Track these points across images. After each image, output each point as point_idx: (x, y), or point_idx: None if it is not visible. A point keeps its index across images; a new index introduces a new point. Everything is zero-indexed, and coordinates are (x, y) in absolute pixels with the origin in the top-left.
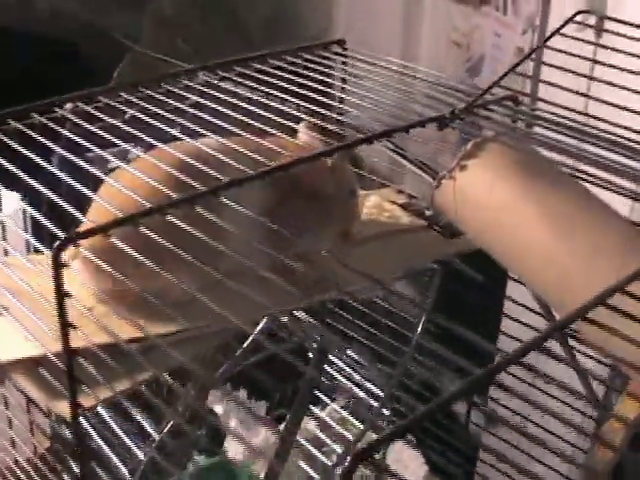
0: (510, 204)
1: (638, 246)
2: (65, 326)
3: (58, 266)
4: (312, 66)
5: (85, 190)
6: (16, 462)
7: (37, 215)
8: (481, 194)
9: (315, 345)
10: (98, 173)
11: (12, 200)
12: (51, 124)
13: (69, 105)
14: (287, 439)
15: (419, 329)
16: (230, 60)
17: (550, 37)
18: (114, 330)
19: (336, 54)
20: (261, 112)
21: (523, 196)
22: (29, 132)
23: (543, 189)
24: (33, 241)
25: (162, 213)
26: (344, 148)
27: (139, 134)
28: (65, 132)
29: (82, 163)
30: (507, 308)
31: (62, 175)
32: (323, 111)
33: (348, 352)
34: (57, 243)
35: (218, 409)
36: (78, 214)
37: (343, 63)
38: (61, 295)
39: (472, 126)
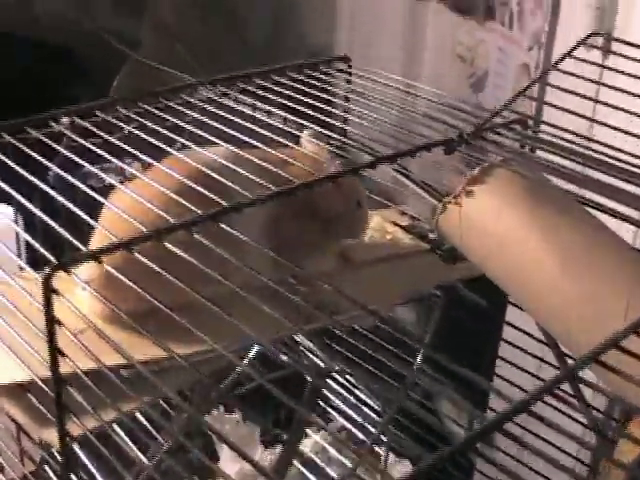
0: (517, 232)
1: None
2: (54, 353)
3: (48, 292)
4: (315, 83)
5: (79, 211)
6: None
7: (28, 237)
8: (488, 221)
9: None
10: (90, 191)
11: (5, 214)
12: (47, 140)
13: (65, 119)
14: (283, 463)
15: (418, 360)
16: (232, 75)
17: (562, 59)
18: (109, 354)
19: (340, 71)
20: (262, 131)
21: (530, 224)
22: (23, 148)
23: (551, 217)
24: (23, 264)
25: (158, 240)
26: (351, 172)
27: (136, 151)
28: (61, 148)
29: (77, 181)
30: (506, 333)
31: (56, 194)
32: (325, 131)
33: (347, 376)
34: (47, 269)
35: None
36: (70, 237)
37: (347, 81)
38: (51, 322)
39: (479, 150)
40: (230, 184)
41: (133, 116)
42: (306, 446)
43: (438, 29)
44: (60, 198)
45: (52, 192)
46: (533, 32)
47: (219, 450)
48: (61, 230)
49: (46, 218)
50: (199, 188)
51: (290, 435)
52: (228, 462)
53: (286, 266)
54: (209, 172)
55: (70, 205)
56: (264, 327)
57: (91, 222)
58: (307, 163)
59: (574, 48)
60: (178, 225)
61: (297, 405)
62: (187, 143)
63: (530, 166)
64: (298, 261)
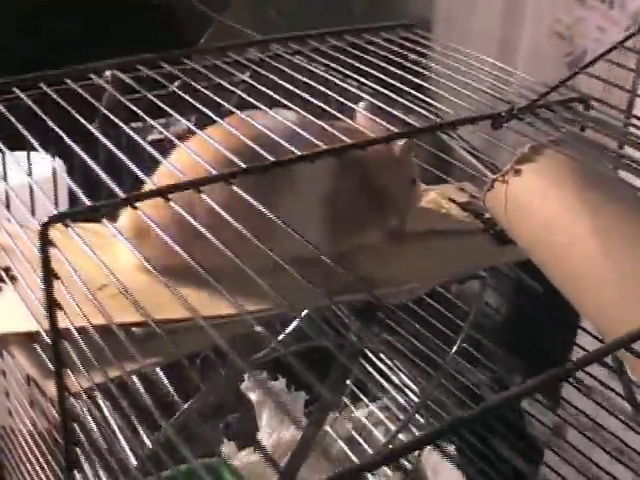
0: (563, 216)
1: None
2: (52, 306)
3: (45, 244)
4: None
5: (125, 159)
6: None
7: (71, 183)
8: (533, 202)
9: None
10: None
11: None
12: (84, 93)
13: (108, 73)
14: (309, 436)
15: (459, 340)
16: (304, 34)
17: (627, 39)
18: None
19: (406, 39)
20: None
21: (577, 208)
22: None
23: (600, 203)
24: (29, 216)
25: (196, 190)
26: (416, 133)
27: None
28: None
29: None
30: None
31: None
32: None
33: (388, 352)
34: (45, 219)
35: (252, 397)
36: (112, 184)
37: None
38: (48, 275)
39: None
40: (292, 148)
41: (177, 73)
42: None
43: (538, 4)
44: (109, 145)
45: (101, 137)
46: (633, 12)
47: (258, 420)
48: (103, 175)
49: (92, 164)
50: (260, 149)
51: (315, 412)
52: (266, 432)
53: (337, 240)
54: (271, 135)
55: (118, 153)
56: (295, 297)
57: (138, 173)
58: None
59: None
60: (218, 176)
61: (322, 384)
62: (246, 98)
63: (583, 148)
64: (350, 236)
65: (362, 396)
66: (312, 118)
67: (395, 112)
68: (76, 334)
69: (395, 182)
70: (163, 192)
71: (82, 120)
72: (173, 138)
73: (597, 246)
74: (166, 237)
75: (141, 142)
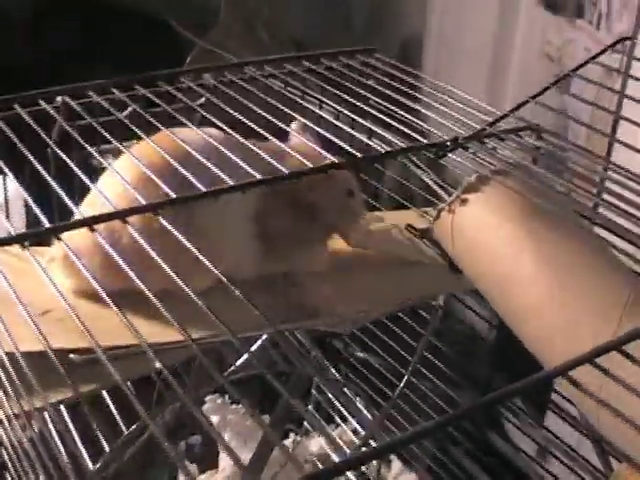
0: (506, 246)
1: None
2: None
3: None
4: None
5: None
6: None
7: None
8: (478, 232)
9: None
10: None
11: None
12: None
13: (59, 99)
14: (262, 456)
15: (409, 371)
16: (263, 59)
17: (583, 65)
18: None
19: (364, 64)
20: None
21: (521, 239)
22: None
23: (545, 234)
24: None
25: (123, 221)
26: (355, 163)
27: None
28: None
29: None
30: None
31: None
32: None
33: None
34: None
35: (214, 419)
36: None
37: (374, 69)
38: None
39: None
40: (216, 170)
41: (125, 100)
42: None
43: (529, 25)
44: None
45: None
46: (619, 34)
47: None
48: (31, 202)
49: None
50: (188, 175)
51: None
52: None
53: (274, 259)
54: (196, 154)
55: (49, 179)
56: (240, 322)
57: (67, 201)
58: (303, 155)
59: (599, 54)
60: (146, 207)
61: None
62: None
63: (530, 179)
64: (287, 254)
65: (322, 422)
66: (239, 137)
67: (337, 140)
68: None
69: (327, 196)
70: (88, 223)
71: (25, 152)
72: (106, 164)
73: (538, 277)
74: (86, 268)
75: (73, 168)
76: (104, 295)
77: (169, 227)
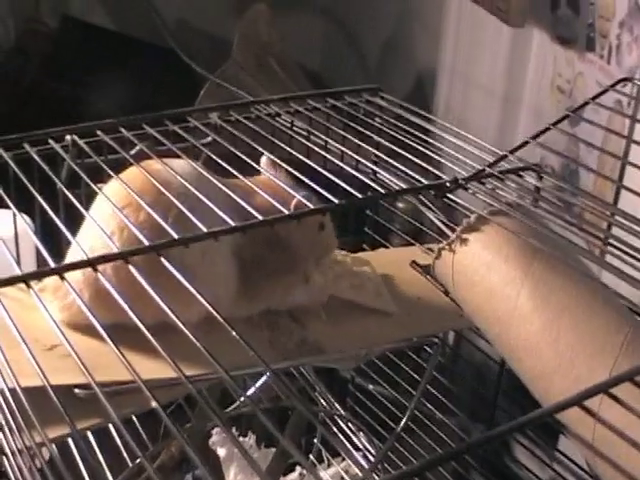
0: (505, 286)
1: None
2: None
3: None
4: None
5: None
6: None
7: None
8: (477, 272)
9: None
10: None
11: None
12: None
13: (68, 137)
14: None
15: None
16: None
17: (583, 105)
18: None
19: (368, 102)
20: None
21: (518, 281)
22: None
23: (543, 276)
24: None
25: (93, 268)
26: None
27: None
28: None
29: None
30: None
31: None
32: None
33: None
34: None
35: (221, 452)
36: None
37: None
38: None
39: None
40: (185, 211)
41: (132, 139)
42: None
43: (541, 58)
44: (48, 210)
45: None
46: (629, 68)
47: (225, 473)
48: (38, 242)
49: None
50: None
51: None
52: None
53: (254, 295)
54: (169, 194)
55: (55, 218)
56: (236, 359)
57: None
58: (270, 193)
59: (600, 94)
60: (149, 247)
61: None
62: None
63: (529, 220)
64: (268, 290)
65: (328, 455)
66: (205, 173)
67: (337, 180)
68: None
69: (300, 229)
70: (92, 263)
71: (32, 189)
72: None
73: (535, 317)
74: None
75: (78, 206)
76: (104, 333)
77: (172, 269)
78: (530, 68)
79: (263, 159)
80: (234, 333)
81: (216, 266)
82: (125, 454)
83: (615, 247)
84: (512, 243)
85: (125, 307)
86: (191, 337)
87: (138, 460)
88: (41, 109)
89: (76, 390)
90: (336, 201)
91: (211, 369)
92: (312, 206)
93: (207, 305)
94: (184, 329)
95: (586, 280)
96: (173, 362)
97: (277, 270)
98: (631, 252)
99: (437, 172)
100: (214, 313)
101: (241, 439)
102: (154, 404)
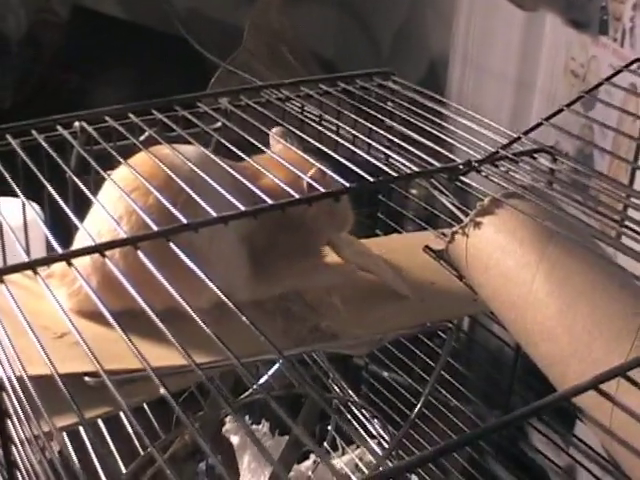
0: (520, 270)
1: None
2: None
3: None
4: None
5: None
6: None
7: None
8: (492, 255)
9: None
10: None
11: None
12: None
13: (77, 124)
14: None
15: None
16: (279, 83)
17: (597, 86)
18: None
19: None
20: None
21: (533, 264)
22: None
23: (557, 258)
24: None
25: (101, 254)
26: (352, 190)
27: None
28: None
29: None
30: None
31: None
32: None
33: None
34: None
35: (234, 440)
36: (51, 238)
37: (391, 91)
38: None
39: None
40: (195, 195)
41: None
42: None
43: (554, 42)
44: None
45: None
46: None
47: (239, 461)
48: (45, 229)
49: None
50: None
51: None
52: (247, 474)
53: (268, 279)
54: (177, 179)
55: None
56: (248, 346)
57: (80, 227)
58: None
59: (613, 75)
60: (157, 233)
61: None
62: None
63: (544, 202)
64: (283, 272)
65: (342, 443)
66: (213, 157)
67: (350, 165)
68: (13, 383)
69: (312, 212)
70: (100, 249)
71: (41, 177)
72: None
73: (551, 301)
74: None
75: (87, 193)
76: (112, 320)
77: (181, 254)
78: (543, 52)
79: (274, 129)
80: (244, 318)
81: (226, 251)
82: (137, 442)
83: (631, 229)
84: (527, 226)
85: (134, 293)
86: (200, 323)
87: (149, 449)
88: (52, 99)
89: (86, 378)
90: (348, 185)
91: (222, 356)
92: (331, 173)
93: (217, 291)
94: (193, 315)
95: (602, 263)
96: (183, 349)
97: (291, 252)
98: None
99: (450, 155)
100: (224, 299)
101: (254, 427)
102: (162, 391)
